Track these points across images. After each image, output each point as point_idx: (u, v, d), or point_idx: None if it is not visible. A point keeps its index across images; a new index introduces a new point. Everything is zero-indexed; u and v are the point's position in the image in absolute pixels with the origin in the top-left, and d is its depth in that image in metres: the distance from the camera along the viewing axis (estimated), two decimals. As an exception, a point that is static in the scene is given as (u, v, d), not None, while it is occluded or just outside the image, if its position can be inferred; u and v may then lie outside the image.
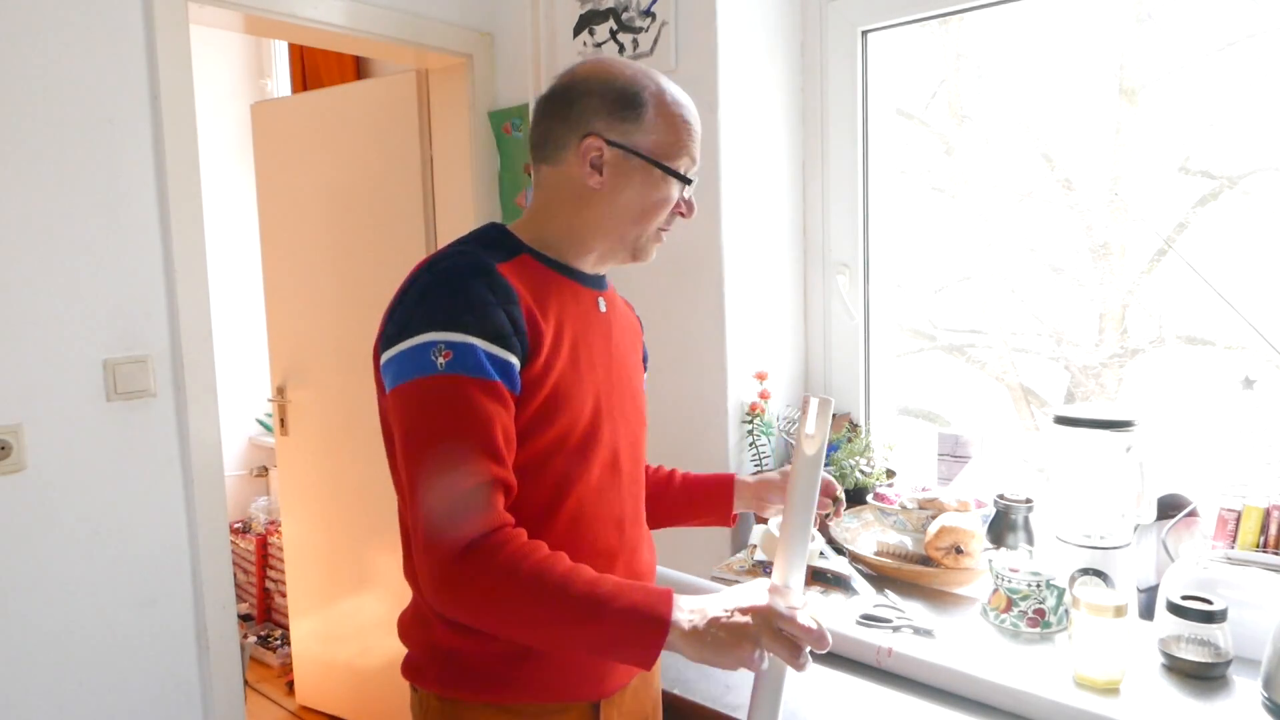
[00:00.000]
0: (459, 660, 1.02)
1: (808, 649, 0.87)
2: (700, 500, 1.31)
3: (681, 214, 1.10)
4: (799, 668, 0.87)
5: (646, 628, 0.87)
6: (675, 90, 1.08)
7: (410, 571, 1.05)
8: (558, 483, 1.02)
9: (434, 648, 1.04)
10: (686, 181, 1.07)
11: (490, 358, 0.93)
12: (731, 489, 1.29)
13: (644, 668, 0.89)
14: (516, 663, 1.01)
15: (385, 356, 0.96)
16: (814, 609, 0.99)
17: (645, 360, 1.28)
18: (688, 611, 0.89)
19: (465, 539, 0.89)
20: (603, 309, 1.12)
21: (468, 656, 1.02)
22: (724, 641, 0.86)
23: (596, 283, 1.13)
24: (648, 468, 1.33)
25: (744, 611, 0.88)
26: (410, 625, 1.08)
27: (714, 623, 0.87)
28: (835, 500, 1.30)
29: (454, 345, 0.92)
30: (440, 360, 0.92)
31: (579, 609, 0.88)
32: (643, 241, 1.09)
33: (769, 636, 0.86)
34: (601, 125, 1.03)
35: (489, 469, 0.92)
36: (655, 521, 1.30)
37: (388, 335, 0.96)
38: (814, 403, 0.98)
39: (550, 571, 0.89)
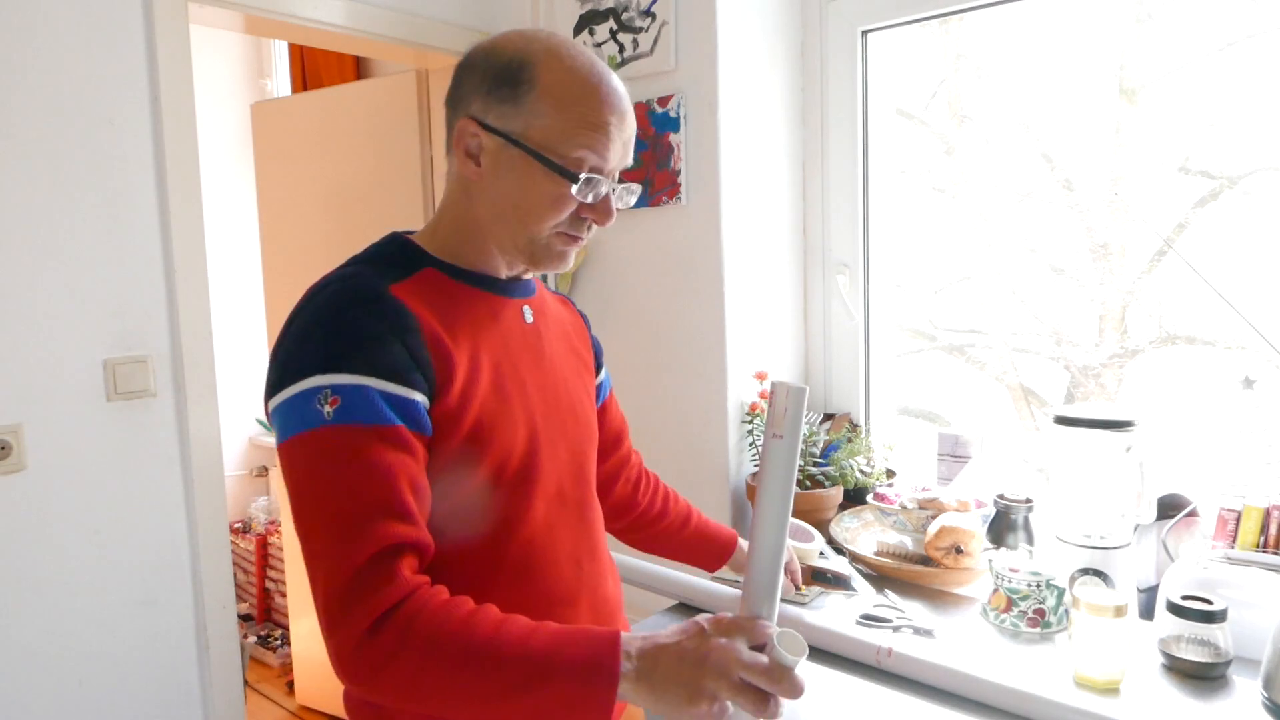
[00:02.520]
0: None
1: (779, 697, 0.76)
2: (700, 552, 1.30)
3: (593, 220, 0.92)
4: (768, 717, 0.76)
5: (592, 686, 0.75)
6: (584, 71, 0.88)
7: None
8: (496, 528, 0.89)
9: (363, 705, 0.93)
10: (577, 180, 0.87)
11: (387, 398, 0.80)
12: (730, 551, 1.30)
13: None
14: None
15: (270, 406, 0.83)
16: (793, 637, 0.77)
17: (599, 359, 1.16)
18: (636, 658, 0.76)
19: (370, 618, 0.75)
20: (529, 319, 0.99)
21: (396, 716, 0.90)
22: (678, 696, 0.75)
23: (520, 289, 0.99)
24: (667, 492, 1.30)
25: (699, 659, 0.76)
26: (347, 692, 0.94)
27: (668, 670, 0.76)
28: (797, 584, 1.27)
29: (341, 389, 0.79)
30: (327, 409, 0.78)
31: (512, 678, 0.75)
32: (537, 247, 0.92)
33: (728, 690, 0.74)
34: (479, 106, 0.89)
35: (392, 531, 0.78)
36: (650, 548, 1.29)
37: (270, 382, 0.83)
38: (787, 391, 0.81)
39: (474, 636, 0.76)
